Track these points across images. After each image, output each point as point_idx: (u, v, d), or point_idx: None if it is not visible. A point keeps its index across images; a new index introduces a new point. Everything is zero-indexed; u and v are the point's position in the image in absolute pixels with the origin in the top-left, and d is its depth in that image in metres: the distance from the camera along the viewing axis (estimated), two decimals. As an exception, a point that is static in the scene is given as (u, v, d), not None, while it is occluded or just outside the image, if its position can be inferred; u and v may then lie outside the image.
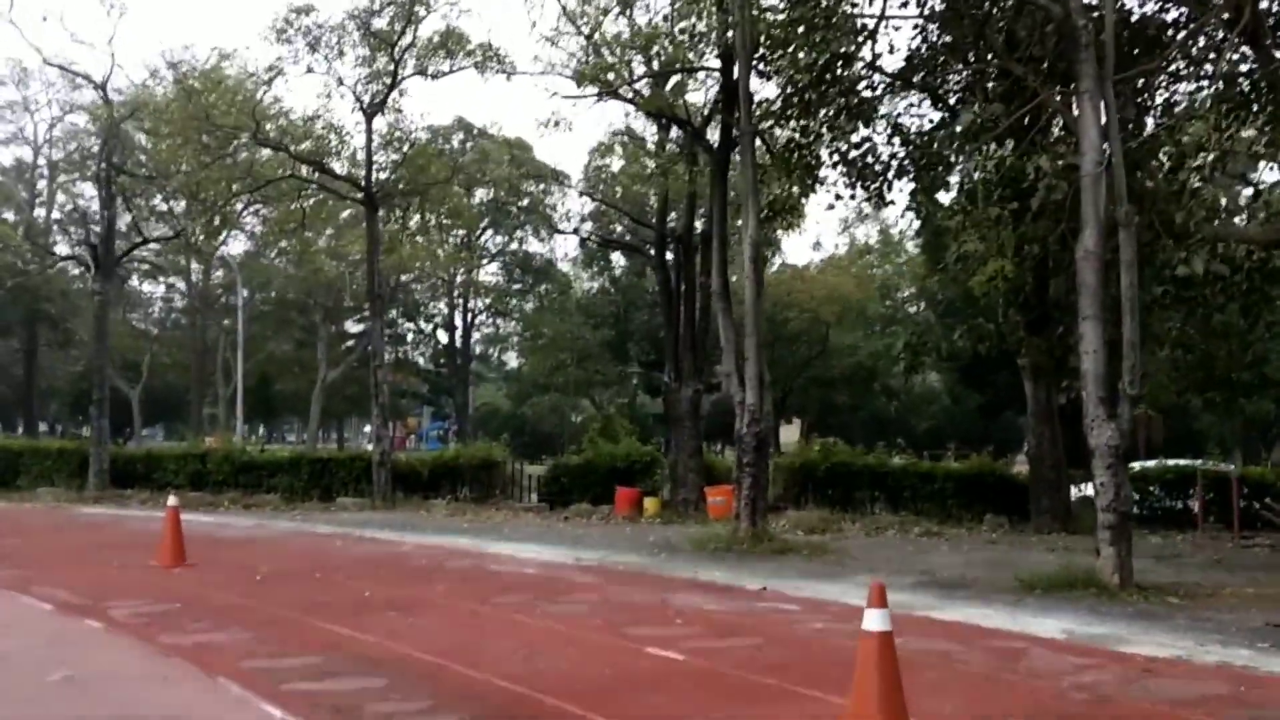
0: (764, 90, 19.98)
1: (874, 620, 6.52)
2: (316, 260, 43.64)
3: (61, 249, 43.04)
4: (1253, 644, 9.99)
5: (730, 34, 18.09)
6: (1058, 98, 16.15)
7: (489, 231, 53.33)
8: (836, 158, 19.88)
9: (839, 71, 17.06)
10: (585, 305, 52.81)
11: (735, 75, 19.15)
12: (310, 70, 26.97)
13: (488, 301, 62.66)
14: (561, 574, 14.98)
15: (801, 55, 16.54)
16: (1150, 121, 18.02)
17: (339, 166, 28.65)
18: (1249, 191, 17.75)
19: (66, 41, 59.18)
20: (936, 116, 20.96)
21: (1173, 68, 18.06)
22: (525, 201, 37.32)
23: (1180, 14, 17.45)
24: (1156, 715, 7.58)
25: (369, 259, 28.82)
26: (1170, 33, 17.69)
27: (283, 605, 11.63)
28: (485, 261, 54.48)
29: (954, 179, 19.33)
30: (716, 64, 21.24)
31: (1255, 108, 16.07)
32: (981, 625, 11.01)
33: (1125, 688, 8.30)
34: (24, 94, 53.02)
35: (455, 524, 22.32)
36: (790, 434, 51.40)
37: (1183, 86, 18.29)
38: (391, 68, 26.64)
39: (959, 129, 15.88)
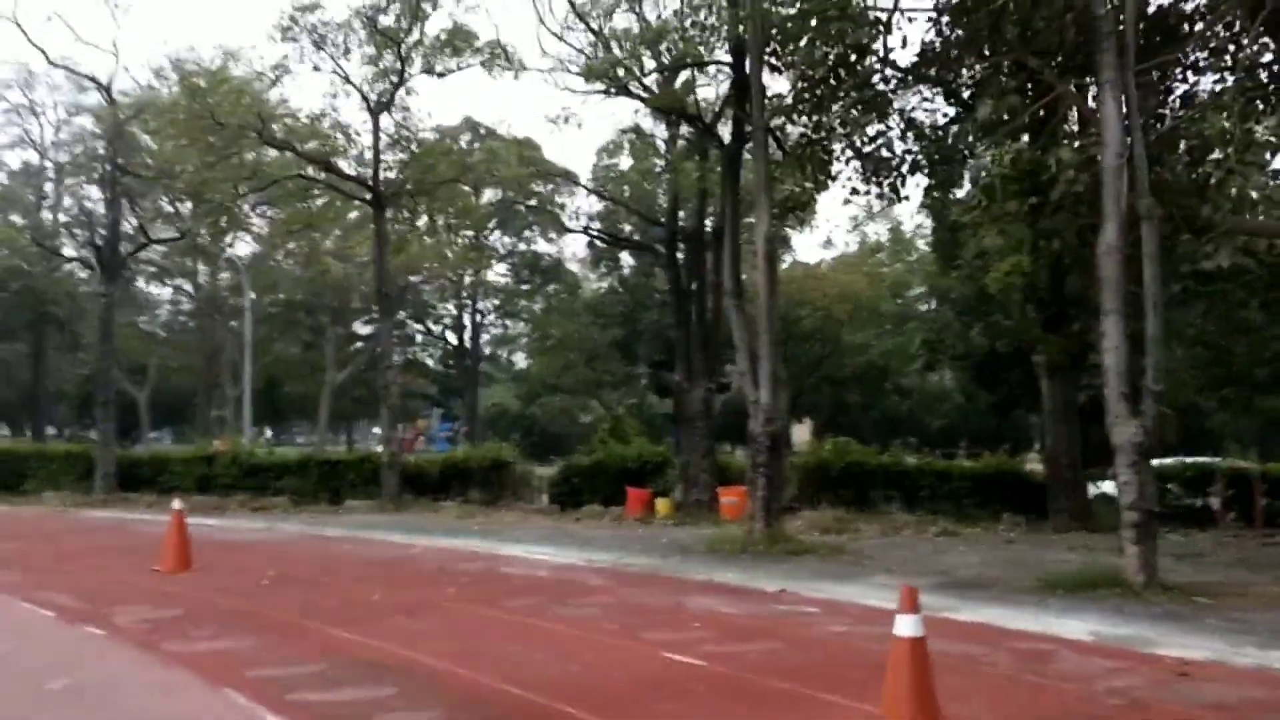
0: (775, 85, 19.69)
1: (906, 626, 6.29)
2: (324, 262, 43.45)
3: (68, 252, 42.82)
4: (1288, 646, 9.72)
5: (741, 27, 17.80)
6: (1073, 90, 15.86)
7: (497, 232, 53.01)
8: (850, 153, 19.58)
9: (854, 64, 16.76)
10: (594, 305, 52.50)
11: (747, 69, 18.87)
12: (316, 69, 26.80)
13: (496, 302, 62.42)
14: (574, 576, 14.73)
15: (816, 48, 16.24)
16: (1167, 114, 17.70)
17: (346, 166, 28.45)
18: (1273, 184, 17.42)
19: (71, 42, 59.20)
20: (950, 112, 20.70)
21: (1191, 59, 17.77)
22: (534, 201, 37.09)
23: (1199, 3, 17.12)
24: (1195, 722, 7.32)
25: (377, 259, 28.60)
26: (1188, 25, 17.40)
27: (290, 610, 11.39)
28: (494, 262, 54.17)
29: (969, 174, 19.00)
30: (727, 58, 20.94)
31: (1275, 99, 15.75)
32: (1005, 627, 10.75)
33: (1159, 692, 8.03)
34: (30, 97, 52.91)
35: (465, 526, 22.08)
36: (801, 434, 51.05)
37: (1201, 78, 17.99)
38: (398, 66, 26.40)
39: (977, 120, 15.53)
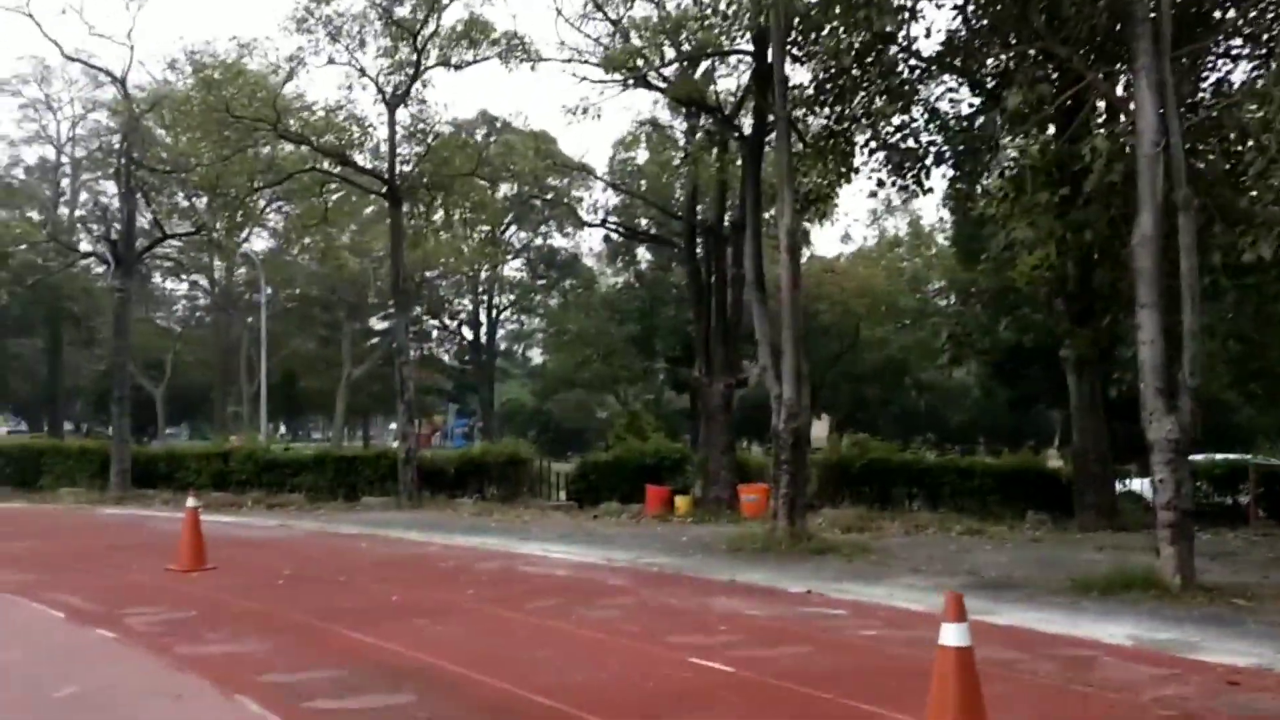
0: (796, 76, 19.36)
1: (953, 635, 5.94)
2: (340, 257, 43.29)
3: (84, 247, 42.74)
4: (1340, 652, 9.34)
5: (763, 16, 17.44)
6: (1103, 79, 15.50)
7: (513, 227, 52.80)
8: (874, 145, 19.25)
9: (879, 53, 16.40)
10: (610, 300, 52.26)
11: (769, 58, 18.51)
12: (331, 61, 26.53)
13: (512, 298, 62.22)
14: (594, 576, 14.44)
15: (841, 35, 15.89)
16: (1199, 102, 17.32)
17: (362, 159, 28.21)
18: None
19: (85, 36, 59.12)
20: (974, 103, 20.35)
21: (1224, 46, 17.39)
22: (550, 195, 36.85)
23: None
24: (1253, 734, 6.98)
25: (393, 253, 28.36)
26: (1220, 11, 17.02)
27: (305, 611, 11.11)
28: (510, 257, 53.99)
29: (996, 165, 18.62)
30: (748, 48, 20.59)
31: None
32: (1041, 630, 10.40)
33: (1211, 702, 7.67)
34: (46, 92, 52.99)
35: (483, 523, 21.80)
36: (819, 430, 50.69)
37: (1235, 65, 17.60)
38: (414, 58, 26.10)
39: (1007, 110, 15.15)
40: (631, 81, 22.59)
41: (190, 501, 15.15)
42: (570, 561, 15.92)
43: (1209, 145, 16.62)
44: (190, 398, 63.94)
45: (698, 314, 26.48)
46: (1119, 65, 16.76)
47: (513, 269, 58.69)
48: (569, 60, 22.86)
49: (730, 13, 19.33)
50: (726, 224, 25.58)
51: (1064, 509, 21.58)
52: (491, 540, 18.58)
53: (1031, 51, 17.26)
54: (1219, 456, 23.11)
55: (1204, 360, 13.76)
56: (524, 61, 25.03)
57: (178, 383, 57.95)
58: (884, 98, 17.81)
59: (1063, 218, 15.82)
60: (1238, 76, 17.53)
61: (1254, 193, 14.12)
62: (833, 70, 18.34)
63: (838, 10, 15.87)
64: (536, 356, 69.49)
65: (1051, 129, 17.28)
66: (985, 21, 18.07)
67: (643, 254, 51.23)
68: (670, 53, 21.85)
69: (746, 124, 22.46)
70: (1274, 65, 14.60)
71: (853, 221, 78.72)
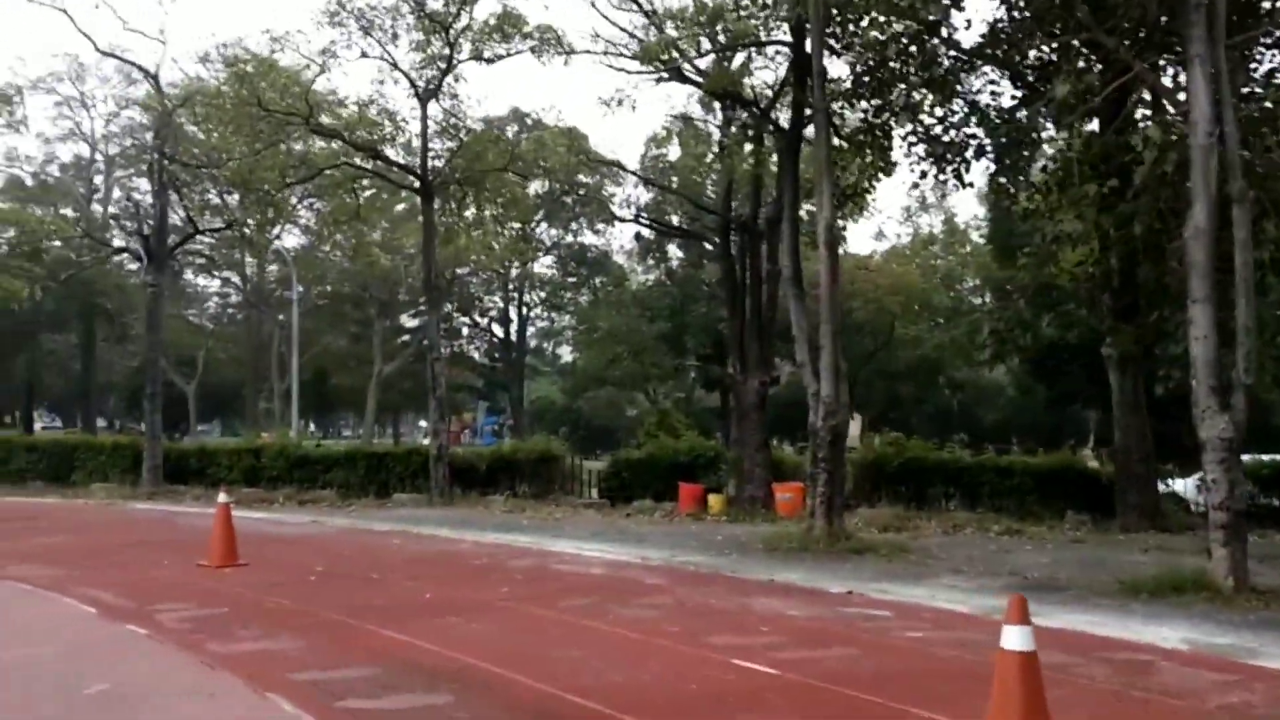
0: (833, 69, 19.09)
1: (1016, 638, 5.72)
2: (371, 254, 43.26)
3: (117, 243, 42.89)
4: None
5: (801, 6, 17.16)
6: (1150, 69, 15.13)
7: (544, 224, 52.63)
8: (913, 138, 18.92)
9: (921, 43, 16.09)
10: (641, 298, 52.01)
11: (807, 49, 18.22)
12: (364, 55, 26.33)
13: (543, 295, 62.07)
14: (629, 574, 14.21)
15: (885, 22, 15.59)
16: (1250, 92, 16.90)
17: (394, 154, 28.07)
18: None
19: (119, 32, 59.35)
20: (1015, 95, 19.96)
21: (1275, 36, 16.97)
22: (582, 192, 36.63)
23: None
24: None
25: (425, 248, 28.20)
26: (1270, 2, 16.62)
27: (338, 608, 10.92)
28: (540, 254, 53.81)
29: (1039, 158, 18.28)
30: (786, 38, 20.30)
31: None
32: (1092, 633, 10.09)
33: (1278, 710, 7.36)
34: (81, 90, 53.24)
35: (514, 521, 21.61)
36: (852, 428, 50.29)
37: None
38: (447, 51, 25.92)
39: (1055, 100, 14.82)
40: (666, 75, 22.35)
41: (222, 497, 15.01)
42: (604, 560, 15.69)
43: (1261, 137, 16.22)
44: (222, 394, 64.19)
45: (731, 311, 26.17)
46: (1167, 55, 16.39)
47: (543, 266, 58.57)
48: (604, 53, 22.63)
49: (769, 2, 19.03)
50: (761, 219, 25.26)
51: (1104, 509, 21.15)
52: (524, 538, 18.37)
53: (1075, 42, 16.93)
54: (1265, 457, 22.62)
55: (1258, 356, 13.37)
56: (557, 54, 24.82)
57: (209, 379, 58.17)
58: (925, 90, 17.46)
59: (1110, 211, 15.44)
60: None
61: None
62: (872, 62, 18.06)
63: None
64: (566, 354, 69.32)
65: (1094, 122, 16.96)
66: (1028, 12, 17.73)
67: (673, 251, 50.98)
68: (706, 44, 21.57)
69: (783, 118, 22.16)
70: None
71: (886, 219, 78.17)
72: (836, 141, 19.74)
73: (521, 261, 49.86)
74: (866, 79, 18.49)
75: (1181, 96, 13.67)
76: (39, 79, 50.60)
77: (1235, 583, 12.20)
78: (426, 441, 31.72)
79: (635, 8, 22.54)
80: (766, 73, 24.36)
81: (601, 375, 54.69)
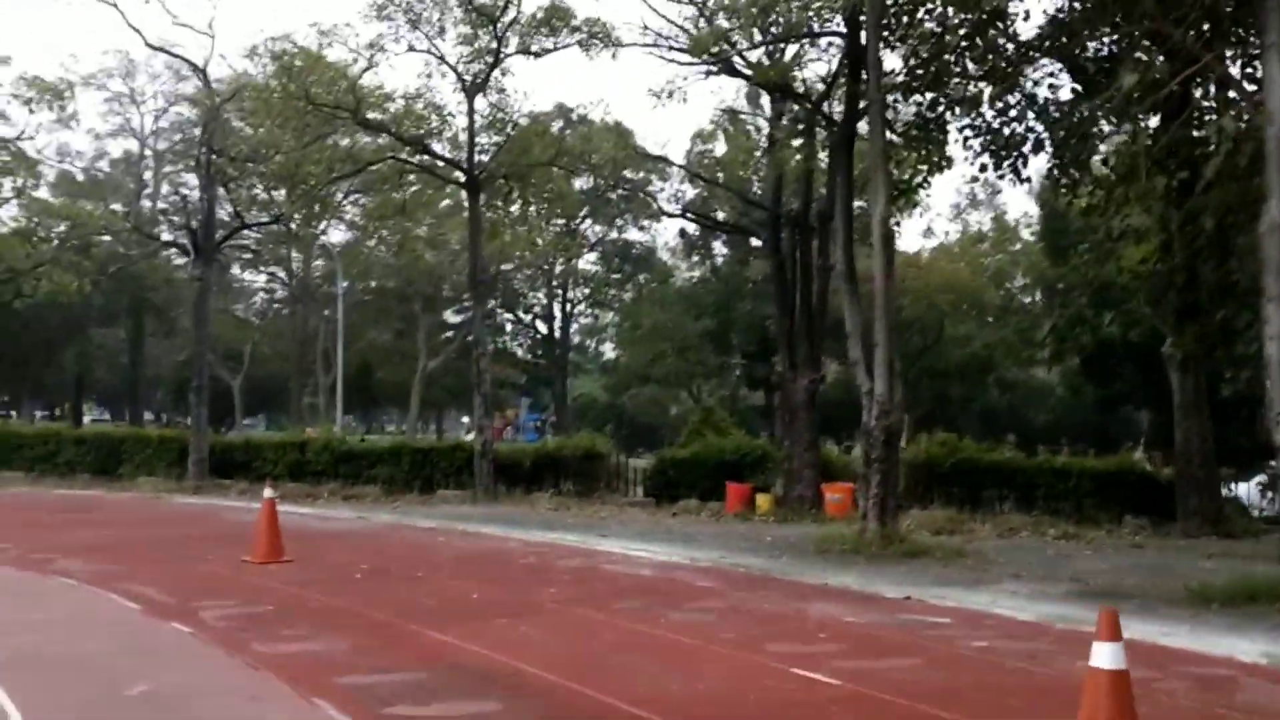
0: (887, 61, 18.63)
1: (1106, 656, 5.36)
2: (416, 249, 43.14)
3: (165, 237, 43.12)
4: None
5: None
6: (1219, 60, 14.62)
7: (588, 220, 52.43)
8: (970, 131, 18.46)
9: (982, 33, 15.65)
10: (686, 295, 51.67)
11: (862, 40, 17.83)
12: (411, 48, 26.20)
13: (587, 291, 61.85)
14: (679, 576, 13.91)
15: (939, 17, 15.15)
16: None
17: (440, 148, 27.92)
18: None
19: (168, 27, 59.75)
20: (1075, 88, 19.44)
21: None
22: (627, 187, 36.37)
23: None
24: None
25: (471, 243, 28.04)
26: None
27: (384, 608, 10.70)
28: (585, 250, 53.56)
29: (1101, 151, 17.75)
30: (841, 29, 19.90)
31: None
32: (1166, 645, 9.64)
33: (1376, 732, 6.95)
34: (131, 86, 53.62)
35: (560, 519, 21.38)
36: (898, 428, 49.75)
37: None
38: (494, 45, 25.75)
39: (1122, 90, 14.32)
40: (715, 68, 21.99)
41: (267, 492, 14.86)
42: (653, 560, 15.39)
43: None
44: (267, 389, 64.48)
45: (780, 308, 25.73)
46: (1237, 46, 15.86)
47: (587, 262, 58.32)
48: (653, 45, 22.30)
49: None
50: (812, 214, 24.84)
51: (1163, 513, 20.57)
52: (570, 537, 18.11)
53: (1137, 33, 16.42)
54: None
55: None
56: (605, 48, 24.53)
57: (255, 373, 58.41)
58: (984, 82, 17.00)
59: (1179, 205, 14.94)
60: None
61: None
62: (928, 54, 17.63)
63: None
64: (610, 351, 69.09)
65: (1156, 115, 16.42)
66: (1090, 3, 17.23)
67: (719, 248, 50.58)
68: (758, 36, 21.19)
69: (835, 111, 21.75)
70: None
71: (935, 216, 77.12)
72: (890, 135, 19.31)
73: (566, 257, 49.62)
74: (921, 71, 18.06)
75: (1251, 88, 13.17)
76: (90, 75, 50.93)
77: (1314, 593, 11.72)
78: (469, 437, 31.56)
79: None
80: (819, 65, 23.99)
81: (645, 373, 54.37)
